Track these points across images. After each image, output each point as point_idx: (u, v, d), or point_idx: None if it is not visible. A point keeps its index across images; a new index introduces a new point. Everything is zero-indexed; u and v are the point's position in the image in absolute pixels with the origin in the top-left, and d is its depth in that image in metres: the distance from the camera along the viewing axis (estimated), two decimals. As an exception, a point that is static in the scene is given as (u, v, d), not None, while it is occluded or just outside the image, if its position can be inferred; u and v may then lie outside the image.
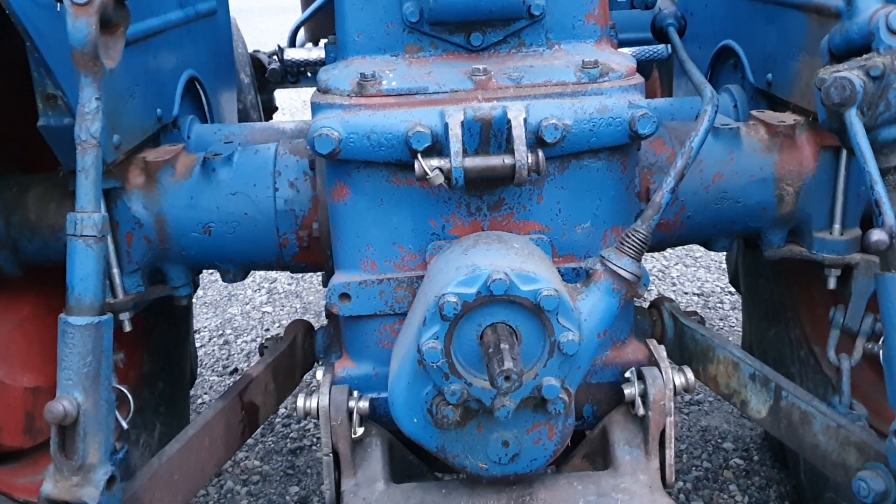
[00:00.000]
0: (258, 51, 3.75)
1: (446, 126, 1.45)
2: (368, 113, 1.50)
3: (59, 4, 1.31)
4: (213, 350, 3.65)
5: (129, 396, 1.45)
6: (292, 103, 7.83)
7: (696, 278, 4.19)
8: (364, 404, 1.55)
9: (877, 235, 1.22)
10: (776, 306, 2.43)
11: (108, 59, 1.33)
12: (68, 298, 1.32)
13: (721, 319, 3.76)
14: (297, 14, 4.45)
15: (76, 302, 1.31)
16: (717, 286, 4.03)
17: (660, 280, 4.22)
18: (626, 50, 3.16)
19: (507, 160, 1.45)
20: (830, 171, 1.82)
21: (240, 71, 3.39)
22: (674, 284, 4.16)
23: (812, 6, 1.83)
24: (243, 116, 3.36)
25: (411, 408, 1.42)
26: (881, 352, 1.37)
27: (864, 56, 1.32)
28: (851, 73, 1.28)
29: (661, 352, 1.66)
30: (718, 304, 3.91)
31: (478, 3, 1.49)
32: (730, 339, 3.53)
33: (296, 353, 1.85)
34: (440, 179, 1.45)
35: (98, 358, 1.30)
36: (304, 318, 1.96)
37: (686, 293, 4.06)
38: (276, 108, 3.98)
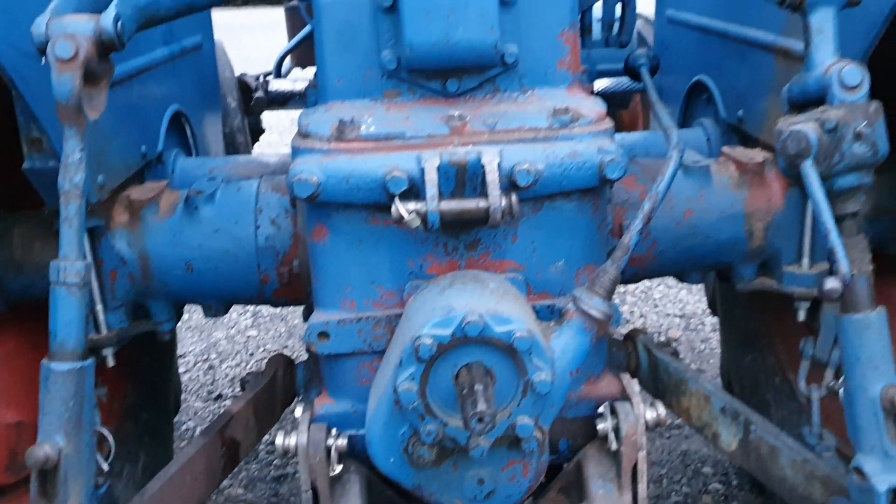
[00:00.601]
0: (245, 74, 3.78)
1: (422, 171, 1.49)
2: (347, 157, 1.54)
3: (43, 58, 1.34)
4: (198, 375, 3.66)
5: (110, 438, 1.48)
6: (280, 122, 7.86)
7: (678, 300, 4.24)
8: (342, 442, 1.58)
9: (830, 284, 1.26)
10: (751, 334, 2.48)
11: (92, 110, 1.37)
12: (51, 344, 1.35)
13: (703, 341, 3.81)
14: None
15: (59, 347, 1.34)
16: (699, 308, 4.07)
17: (642, 301, 4.27)
18: (605, 81, 3.23)
19: (482, 203, 1.49)
20: (798, 207, 1.87)
21: (227, 95, 3.41)
22: (656, 306, 4.21)
23: (778, 48, 1.89)
24: (230, 140, 3.38)
25: (388, 447, 1.45)
26: (841, 390, 1.42)
27: (820, 108, 1.37)
28: (807, 125, 1.33)
29: (633, 386, 1.70)
30: (700, 326, 3.96)
31: (453, 52, 1.53)
32: (710, 361, 3.59)
33: (276, 388, 1.88)
34: (417, 222, 1.49)
35: (80, 402, 1.33)
36: (290, 342, 1.99)
37: (668, 315, 4.11)
38: (263, 131, 4.01)
